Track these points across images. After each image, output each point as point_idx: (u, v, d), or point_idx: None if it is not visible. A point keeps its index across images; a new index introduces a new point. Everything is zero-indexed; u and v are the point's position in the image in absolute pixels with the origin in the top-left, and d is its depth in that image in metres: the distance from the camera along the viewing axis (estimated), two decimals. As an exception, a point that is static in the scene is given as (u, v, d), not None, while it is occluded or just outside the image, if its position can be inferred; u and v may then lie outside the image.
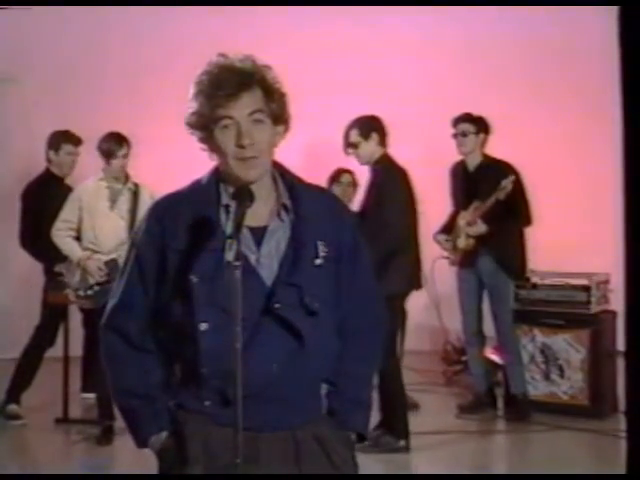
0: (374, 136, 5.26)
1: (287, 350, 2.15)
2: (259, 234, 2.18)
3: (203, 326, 2.14)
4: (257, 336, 2.11)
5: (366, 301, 2.34)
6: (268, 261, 2.17)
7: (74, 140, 6.06)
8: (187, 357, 2.18)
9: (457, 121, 5.97)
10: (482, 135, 5.98)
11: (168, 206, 2.25)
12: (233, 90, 2.11)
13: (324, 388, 2.28)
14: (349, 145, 5.30)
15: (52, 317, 5.96)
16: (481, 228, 5.82)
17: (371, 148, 5.26)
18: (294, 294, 2.16)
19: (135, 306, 2.25)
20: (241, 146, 2.12)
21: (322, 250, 2.20)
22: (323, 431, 2.24)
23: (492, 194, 5.73)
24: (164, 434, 2.23)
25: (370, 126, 5.27)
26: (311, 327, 2.17)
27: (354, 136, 5.27)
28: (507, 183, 5.69)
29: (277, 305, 2.14)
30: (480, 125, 5.98)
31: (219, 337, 2.10)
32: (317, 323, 2.18)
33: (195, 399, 2.20)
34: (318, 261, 2.19)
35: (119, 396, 2.29)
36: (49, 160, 6.09)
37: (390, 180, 5.18)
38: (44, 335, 5.96)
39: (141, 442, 2.27)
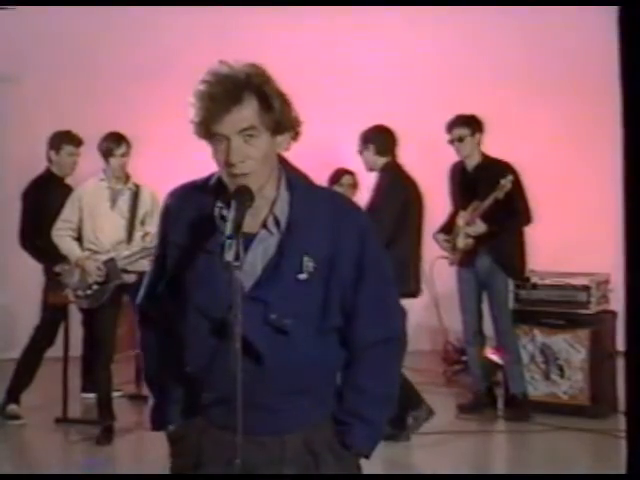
0: (370, 147, 5.55)
1: (251, 363, 2.06)
2: (249, 241, 2.11)
3: (186, 325, 2.15)
4: (223, 345, 2.06)
5: (377, 312, 2.20)
6: (251, 268, 2.10)
7: (75, 141, 6.06)
8: (178, 356, 2.19)
9: (451, 127, 5.97)
10: (478, 135, 5.97)
11: (177, 197, 2.24)
12: (223, 105, 2.03)
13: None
14: (359, 150, 5.64)
15: (52, 317, 5.95)
16: (480, 228, 5.82)
17: (369, 157, 5.58)
18: (259, 309, 2.07)
19: (157, 293, 2.26)
20: (230, 164, 2.07)
21: (308, 265, 2.10)
22: (317, 441, 2.16)
23: (491, 193, 5.74)
24: (175, 426, 2.25)
25: (367, 137, 5.59)
26: (277, 343, 2.08)
27: (359, 144, 5.61)
28: (506, 182, 5.69)
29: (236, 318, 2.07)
30: (474, 126, 5.97)
31: (200, 338, 2.12)
32: (287, 340, 2.08)
33: (188, 400, 2.22)
34: (302, 276, 2.09)
35: (146, 380, 2.36)
36: (50, 160, 6.09)
37: (392, 186, 5.38)
38: (44, 335, 5.95)
39: (155, 428, 2.32)
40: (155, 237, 2.32)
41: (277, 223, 2.13)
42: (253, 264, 2.11)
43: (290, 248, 2.11)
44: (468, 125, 5.95)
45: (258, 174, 2.09)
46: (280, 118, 2.10)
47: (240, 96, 2.05)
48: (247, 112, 2.05)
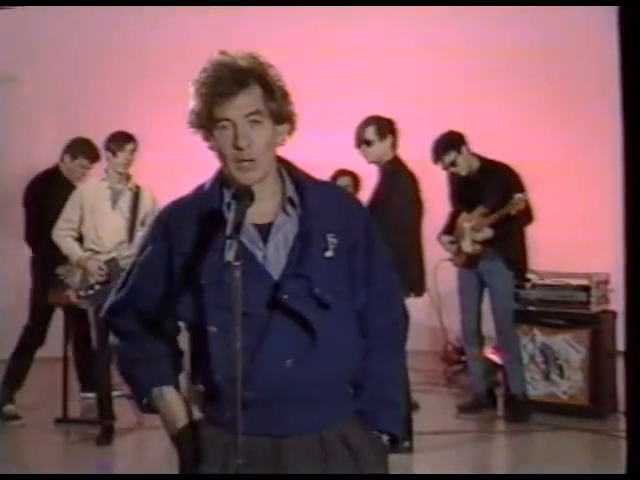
0: (389, 138, 5.30)
1: (300, 345, 2.08)
2: (265, 230, 2.14)
3: (212, 329, 2.11)
4: (268, 332, 2.05)
5: (387, 296, 2.28)
6: (275, 256, 2.12)
7: (92, 156, 5.96)
8: (203, 364, 2.14)
9: (436, 157, 5.87)
10: (464, 148, 5.91)
11: (174, 210, 2.23)
12: (229, 89, 2.06)
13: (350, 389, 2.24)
14: (363, 141, 5.30)
15: (40, 316, 5.95)
16: (487, 234, 5.82)
17: (384, 149, 5.29)
18: (303, 285, 2.09)
19: (133, 304, 2.25)
20: (238, 148, 2.08)
21: (332, 242, 2.14)
22: (351, 434, 2.18)
23: (497, 200, 5.73)
24: (165, 389, 2.21)
25: (387, 127, 5.31)
26: (323, 319, 2.10)
27: (370, 134, 5.29)
28: (519, 200, 5.66)
29: (285, 296, 2.08)
30: (456, 144, 5.88)
31: (228, 340, 2.05)
32: (330, 316, 2.11)
33: (217, 411, 2.14)
34: (328, 253, 2.13)
35: (122, 368, 2.28)
36: (62, 160, 6.07)
37: (398, 182, 5.22)
38: (33, 335, 5.95)
39: (143, 404, 2.25)
40: (143, 254, 2.28)
41: (293, 205, 2.16)
42: (276, 253, 2.13)
43: (312, 227, 2.14)
44: (451, 148, 5.86)
45: (263, 160, 2.12)
46: (281, 107, 2.14)
47: (246, 81, 2.08)
48: (253, 97, 2.09)
